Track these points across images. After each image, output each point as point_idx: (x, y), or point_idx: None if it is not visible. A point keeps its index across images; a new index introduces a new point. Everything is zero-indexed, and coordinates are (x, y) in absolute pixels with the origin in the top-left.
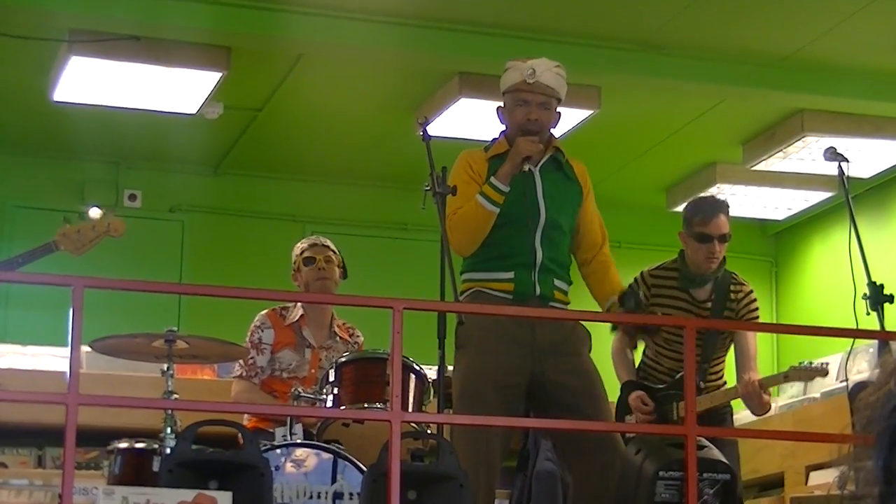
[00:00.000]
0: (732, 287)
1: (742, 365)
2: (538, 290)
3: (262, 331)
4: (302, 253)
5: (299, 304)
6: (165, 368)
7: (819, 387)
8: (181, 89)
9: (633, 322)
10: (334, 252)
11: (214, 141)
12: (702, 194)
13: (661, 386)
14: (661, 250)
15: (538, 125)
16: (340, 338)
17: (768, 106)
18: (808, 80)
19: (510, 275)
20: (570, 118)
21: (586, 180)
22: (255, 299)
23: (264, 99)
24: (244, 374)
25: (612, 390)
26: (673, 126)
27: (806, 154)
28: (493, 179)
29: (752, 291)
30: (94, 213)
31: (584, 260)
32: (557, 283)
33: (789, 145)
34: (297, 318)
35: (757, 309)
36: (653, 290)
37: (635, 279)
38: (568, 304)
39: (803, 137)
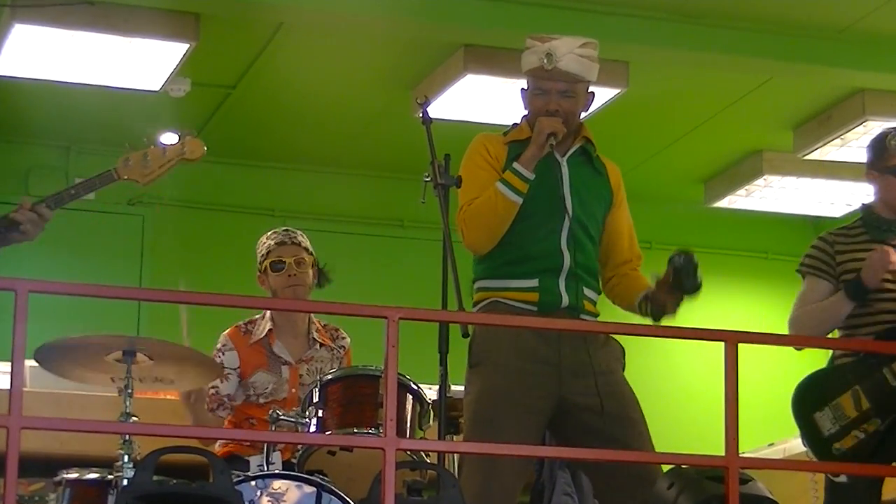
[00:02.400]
0: None
1: None
2: (566, 300)
3: (223, 354)
4: (268, 253)
5: (268, 314)
6: (123, 387)
7: None
8: (142, 63)
9: (662, 335)
10: (307, 251)
11: (180, 122)
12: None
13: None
14: (699, 252)
15: (560, 116)
16: (322, 344)
17: (823, 85)
18: (870, 54)
19: (534, 282)
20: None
21: (620, 185)
22: (228, 307)
23: (238, 74)
24: (208, 405)
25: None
26: (712, 108)
27: (867, 141)
28: (516, 165)
29: None
30: (166, 137)
31: (607, 278)
32: (587, 291)
33: (848, 130)
34: (264, 333)
35: None
36: (837, 248)
37: (811, 245)
38: (597, 315)
39: (864, 122)
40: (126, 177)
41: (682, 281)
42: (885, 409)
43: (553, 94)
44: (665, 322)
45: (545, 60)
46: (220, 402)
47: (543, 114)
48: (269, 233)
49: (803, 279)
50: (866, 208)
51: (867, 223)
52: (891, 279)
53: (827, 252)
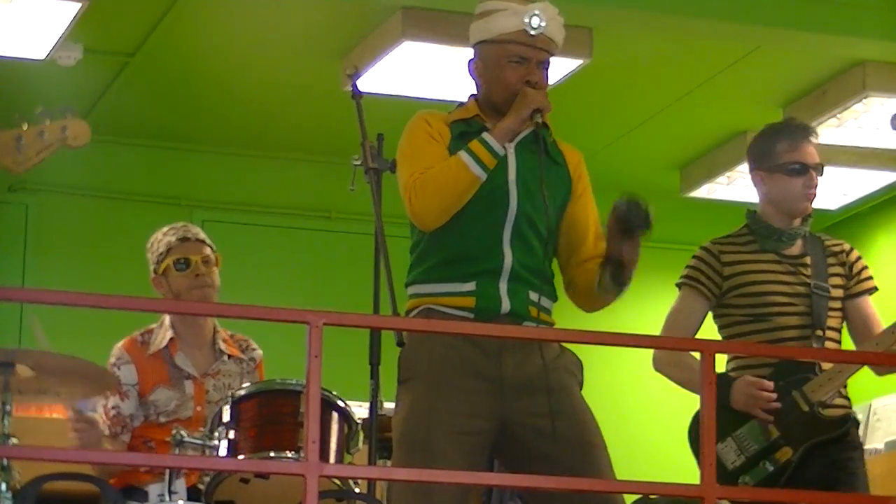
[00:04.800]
0: (827, 242)
1: (869, 332)
2: (507, 306)
3: (119, 369)
4: (169, 251)
5: (166, 321)
6: (1, 403)
7: (883, 435)
8: (25, 27)
9: (629, 344)
10: (212, 249)
11: (71, 96)
12: (776, 122)
13: (764, 374)
14: (674, 249)
15: (546, 98)
16: (230, 356)
17: (818, 55)
18: (871, 20)
19: (471, 286)
20: (550, 71)
21: (581, 173)
22: (125, 310)
23: (138, 40)
24: (110, 430)
25: (611, 434)
26: (690, 82)
27: (867, 120)
28: (486, 136)
29: (854, 248)
30: (44, 115)
31: (570, 277)
32: (534, 296)
33: (845, 109)
34: (165, 342)
35: (868, 269)
36: (724, 259)
37: (694, 256)
38: (552, 325)
39: (864, 98)
40: None
41: (630, 220)
42: (796, 437)
43: (533, 64)
44: (627, 282)
45: (530, 24)
46: (124, 425)
47: (520, 85)
48: (165, 229)
49: (679, 291)
50: (752, 215)
51: (755, 232)
52: (788, 291)
53: (711, 265)
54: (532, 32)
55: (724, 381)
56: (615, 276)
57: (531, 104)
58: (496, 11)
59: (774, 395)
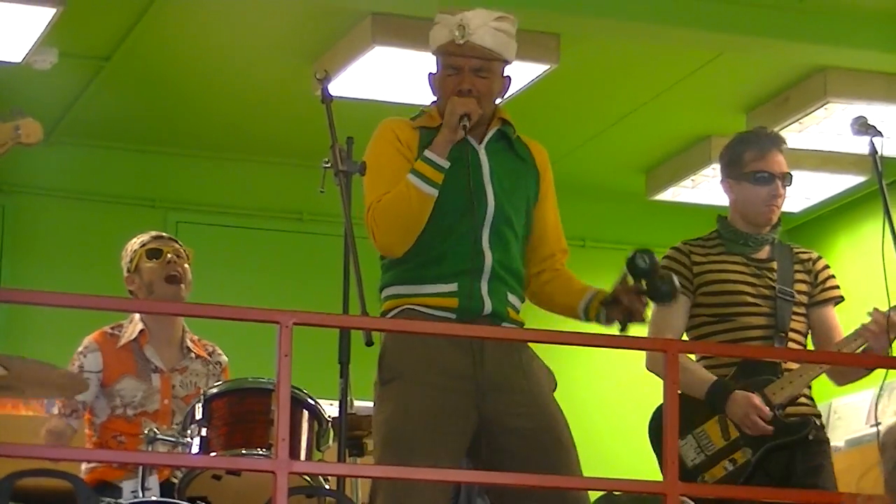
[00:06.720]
0: (796, 250)
1: (831, 341)
2: (489, 306)
3: (85, 356)
4: (143, 245)
5: (137, 316)
6: None
7: (843, 433)
8: (1, 31)
9: (610, 345)
10: (185, 250)
11: (46, 99)
12: (747, 130)
13: (727, 374)
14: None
15: (474, 96)
16: (198, 356)
17: (780, 62)
18: (833, 28)
19: (453, 286)
20: (518, 76)
21: (547, 168)
22: (99, 310)
23: (113, 44)
24: (60, 410)
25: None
26: (654, 87)
27: (828, 126)
28: (427, 153)
29: (822, 258)
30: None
31: (536, 273)
32: (511, 297)
33: (807, 114)
34: (135, 335)
35: (835, 278)
36: (693, 258)
37: (666, 256)
38: (522, 325)
39: (826, 104)
40: None
41: (657, 286)
42: (756, 439)
43: (466, 71)
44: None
45: (457, 33)
46: (74, 409)
47: (455, 94)
48: (139, 234)
49: None
50: (722, 221)
51: (724, 236)
52: (753, 293)
53: (682, 263)
54: (459, 42)
55: (721, 388)
56: (622, 322)
57: (457, 111)
58: (435, 24)
59: (770, 428)
